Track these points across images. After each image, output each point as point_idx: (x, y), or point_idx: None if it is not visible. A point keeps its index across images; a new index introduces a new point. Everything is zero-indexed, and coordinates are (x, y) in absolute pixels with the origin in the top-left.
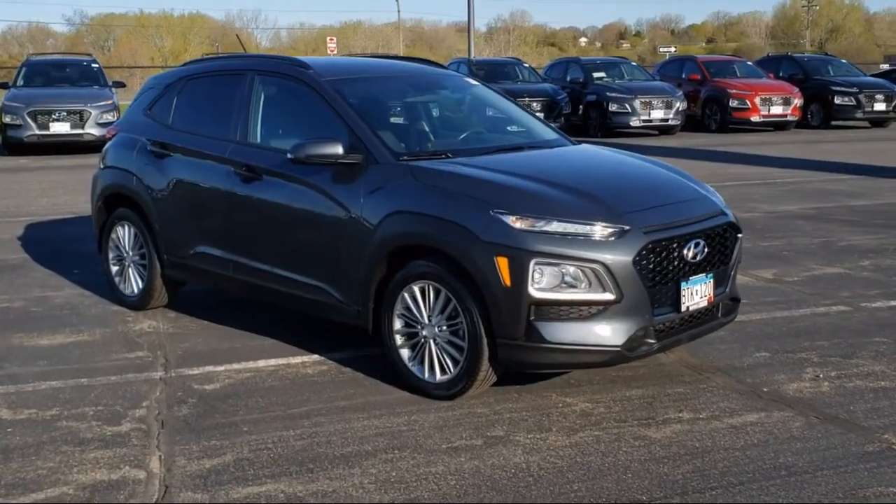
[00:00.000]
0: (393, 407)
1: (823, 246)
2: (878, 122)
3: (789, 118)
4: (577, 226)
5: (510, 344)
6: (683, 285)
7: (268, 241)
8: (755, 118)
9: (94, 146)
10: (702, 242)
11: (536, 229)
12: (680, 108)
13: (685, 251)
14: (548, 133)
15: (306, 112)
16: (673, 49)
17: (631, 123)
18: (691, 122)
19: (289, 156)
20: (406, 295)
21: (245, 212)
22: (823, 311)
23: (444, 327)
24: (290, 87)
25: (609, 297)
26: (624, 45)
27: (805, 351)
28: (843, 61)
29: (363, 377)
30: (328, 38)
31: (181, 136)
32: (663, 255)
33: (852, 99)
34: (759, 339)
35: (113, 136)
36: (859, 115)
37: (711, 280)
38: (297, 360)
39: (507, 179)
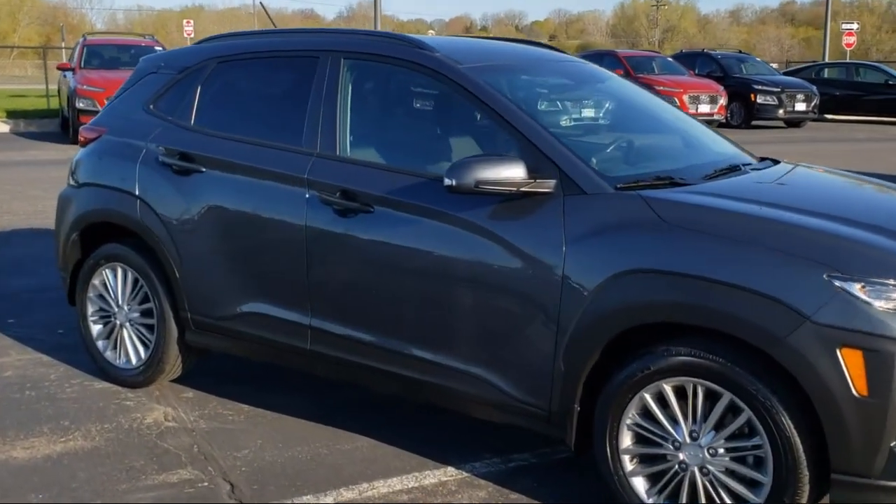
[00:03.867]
0: None
1: None
2: (795, 122)
3: (715, 117)
4: None
5: (855, 483)
6: None
7: (381, 303)
8: None
9: None
10: None
11: None
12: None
13: None
14: (726, 144)
15: (442, 114)
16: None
17: (779, 115)
18: None
19: (446, 182)
20: (647, 397)
21: (339, 258)
22: None
23: (724, 450)
24: (405, 76)
25: None
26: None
27: None
28: (758, 59)
29: None
30: (185, 21)
31: (215, 144)
32: None
33: (775, 98)
34: None
35: (90, 140)
36: (780, 114)
37: None
38: (431, 478)
39: (820, 224)
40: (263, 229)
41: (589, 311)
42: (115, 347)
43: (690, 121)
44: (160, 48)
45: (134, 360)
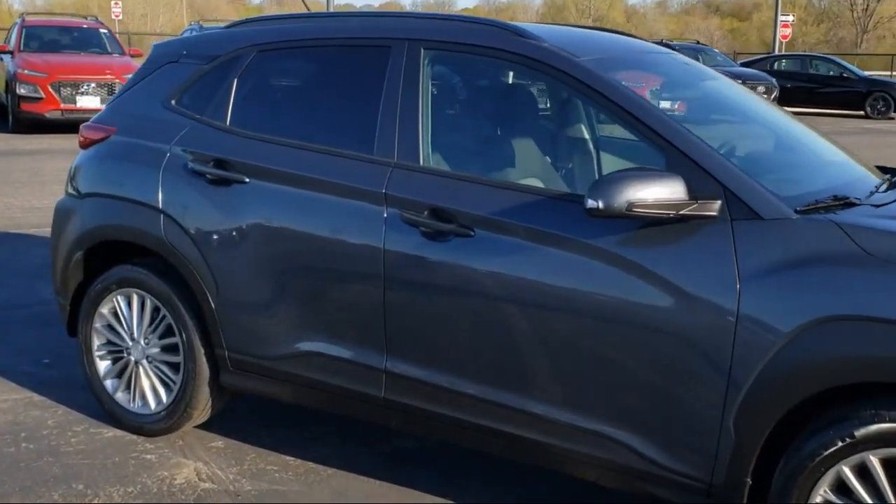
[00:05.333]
0: None
1: None
2: None
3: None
4: None
5: None
6: None
7: (481, 346)
8: None
9: None
10: None
11: None
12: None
13: None
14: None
15: (557, 119)
16: None
17: None
18: None
19: (589, 203)
20: (846, 471)
21: (427, 290)
22: None
23: None
24: (505, 71)
25: None
26: None
27: None
28: (715, 50)
29: None
30: (113, 2)
31: (261, 150)
32: None
33: None
34: None
35: (93, 141)
36: None
37: None
38: None
39: None
40: (327, 253)
41: (776, 365)
42: (128, 388)
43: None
44: (105, 31)
45: (153, 405)
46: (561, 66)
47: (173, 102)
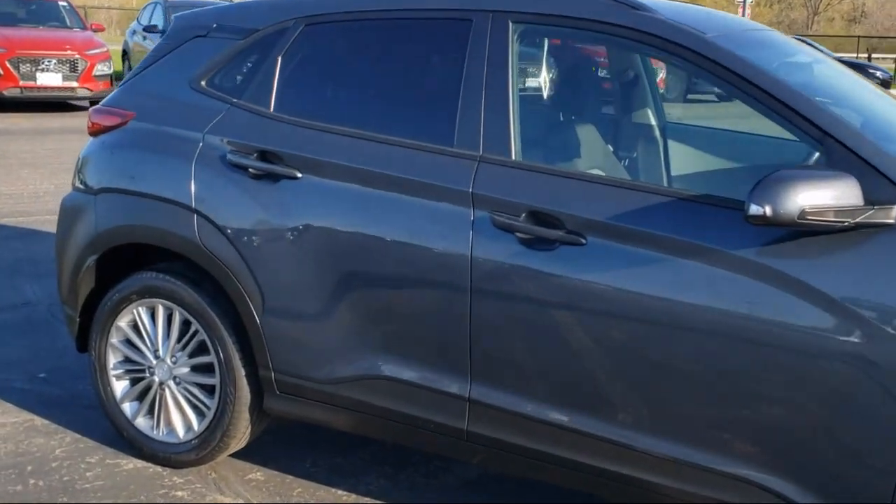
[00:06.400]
0: None
1: None
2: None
3: None
4: None
5: None
6: None
7: (592, 373)
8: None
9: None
10: None
11: None
12: None
13: None
14: None
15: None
16: None
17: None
18: None
19: (753, 210)
20: None
21: (524, 306)
22: None
23: None
24: (614, 49)
25: None
26: None
27: None
28: None
29: None
30: None
31: (314, 140)
32: None
33: None
34: None
35: (106, 127)
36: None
37: None
38: None
39: None
40: (399, 260)
41: None
42: (150, 413)
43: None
44: (64, 3)
45: (181, 432)
46: (689, 44)
47: (203, 83)
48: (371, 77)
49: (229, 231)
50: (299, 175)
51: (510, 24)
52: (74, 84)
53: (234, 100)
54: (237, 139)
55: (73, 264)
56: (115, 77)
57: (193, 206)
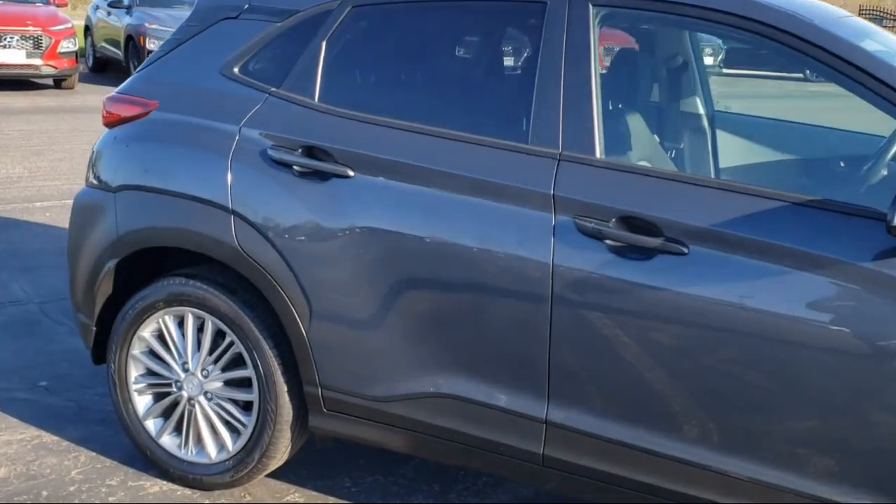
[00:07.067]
0: None
1: None
2: None
3: None
4: None
5: None
6: None
7: (698, 395)
8: None
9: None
10: None
11: None
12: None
13: None
14: None
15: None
16: None
17: None
18: None
19: None
20: None
21: (615, 321)
22: None
23: None
24: (711, 34)
25: None
26: None
27: None
28: None
29: None
30: None
31: (368, 135)
32: None
33: None
34: None
35: (127, 118)
36: None
37: None
38: None
39: None
40: (469, 269)
41: None
42: (178, 431)
43: None
44: None
45: (213, 453)
46: (798, 32)
47: (236, 70)
48: (430, 65)
49: (271, 234)
50: (352, 173)
51: (590, 6)
52: (38, 61)
53: (273, 88)
54: (279, 133)
55: (90, 269)
56: (80, 54)
57: (231, 206)
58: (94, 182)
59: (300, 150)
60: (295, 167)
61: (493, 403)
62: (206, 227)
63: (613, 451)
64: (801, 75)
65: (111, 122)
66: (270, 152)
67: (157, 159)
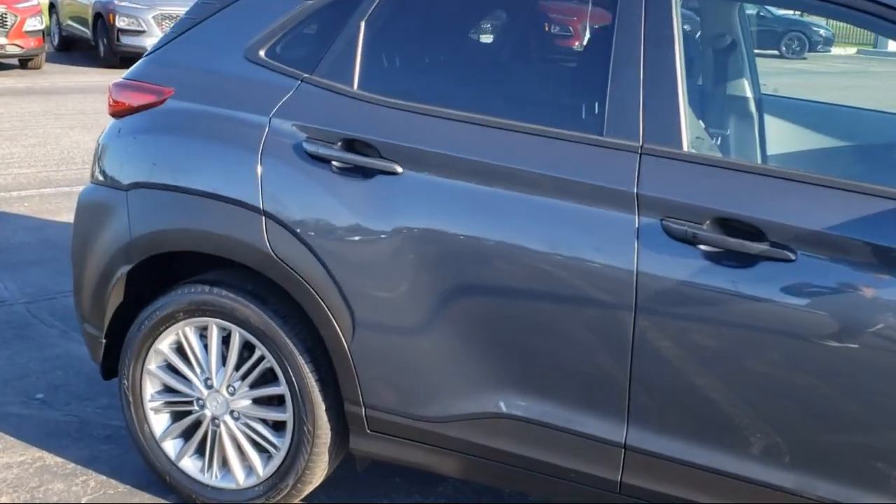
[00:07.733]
0: None
1: None
2: None
3: None
4: None
5: None
6: None
7: (810, 418)
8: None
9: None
10: None
11: None
12: None
13: None
14: None
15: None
16: None
17: None
18: None
19: None
20: None
21: (712, 334)
22: None
23: None
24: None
25: None
26: None
27: None
28: None
29: None
30: None
31: (416, 126)
32: None
33: None
34: None
35: (138, 107)
36: None
37: None
38: None
39: None
40: (536, 277)
41: None
42: (200, 453)
43: None
44: None
45: (241, 477)
46: None
47: (262, 54)
48: (485, 48)
49: (309, 237)
50: (400, 170)
51: None
52: (3, 41)
53: (306, 75)
54: (315, 124)
55: (99, 276)
56: (45, 33)
57: (262, 206)
58: (100, 178)
59: (339, 144)
60: (334, 163)
61: (562, 425)
62: (234, 230)
63: (702, 477)
64: (776, 52)
65: (119, 112)
66: (306, 146)
67: (174, 154)
